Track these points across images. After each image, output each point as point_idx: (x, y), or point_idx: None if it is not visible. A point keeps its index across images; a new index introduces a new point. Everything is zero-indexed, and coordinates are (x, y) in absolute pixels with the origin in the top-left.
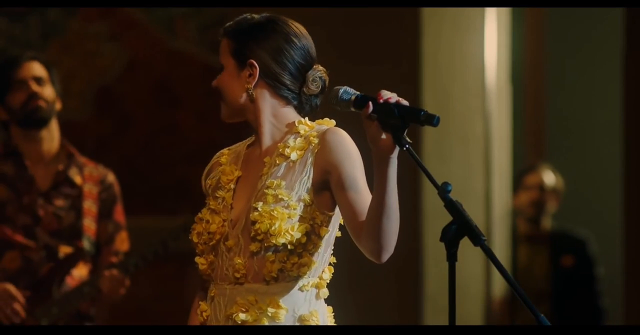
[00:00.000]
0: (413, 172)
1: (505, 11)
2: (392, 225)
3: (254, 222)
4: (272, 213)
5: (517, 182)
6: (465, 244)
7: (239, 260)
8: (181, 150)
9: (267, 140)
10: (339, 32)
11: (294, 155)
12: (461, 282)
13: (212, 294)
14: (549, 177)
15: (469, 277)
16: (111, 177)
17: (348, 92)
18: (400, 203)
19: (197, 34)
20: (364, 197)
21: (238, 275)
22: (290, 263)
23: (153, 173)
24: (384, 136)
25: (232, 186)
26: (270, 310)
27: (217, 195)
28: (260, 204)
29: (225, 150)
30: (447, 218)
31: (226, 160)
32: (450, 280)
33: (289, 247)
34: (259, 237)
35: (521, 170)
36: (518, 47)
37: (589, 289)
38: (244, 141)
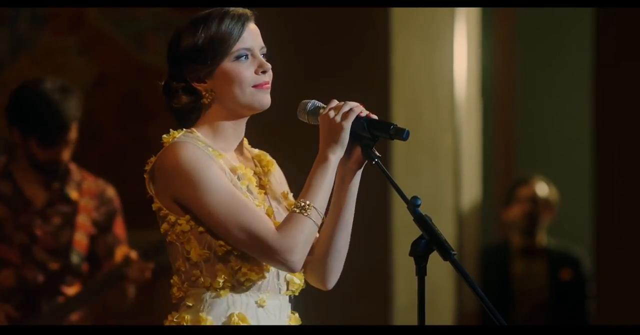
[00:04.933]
0: (382, 186)
1: (475, 24)
2: (346, 246)
3: None
4: None
5: (510, 194)
6: (435, 257)
7: (299, 273)
8: None
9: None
10: (308, 46)
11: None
12: (431, 296)
13: (262, 303)
14: (542, 189)
15: (438, 291)
16: (111, 192)
17: (316, 105)
18: (369, 217)
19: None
20: None
21: (298, 289)
22: None
23: (123, 186)
24: (353, 150)
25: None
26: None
27: (256, 204)
28: None
29: (198, 143)
30: (417, 232)
31: (217, 155)
32: (419, 294)
33: None
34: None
35: (514, 183)
36: (488, 60)
37: (580, 308)
38: (194, 138)
